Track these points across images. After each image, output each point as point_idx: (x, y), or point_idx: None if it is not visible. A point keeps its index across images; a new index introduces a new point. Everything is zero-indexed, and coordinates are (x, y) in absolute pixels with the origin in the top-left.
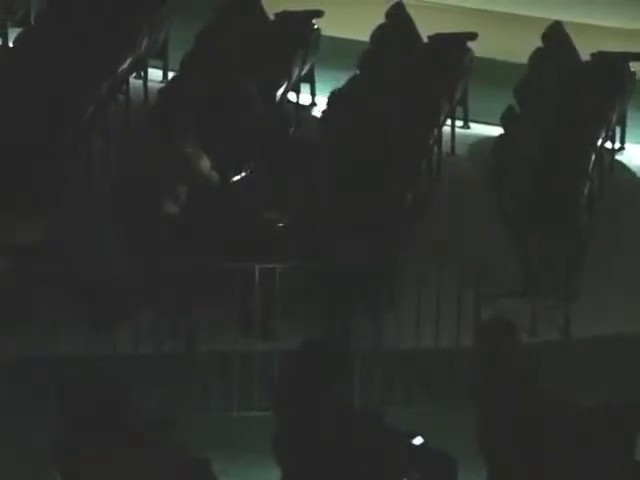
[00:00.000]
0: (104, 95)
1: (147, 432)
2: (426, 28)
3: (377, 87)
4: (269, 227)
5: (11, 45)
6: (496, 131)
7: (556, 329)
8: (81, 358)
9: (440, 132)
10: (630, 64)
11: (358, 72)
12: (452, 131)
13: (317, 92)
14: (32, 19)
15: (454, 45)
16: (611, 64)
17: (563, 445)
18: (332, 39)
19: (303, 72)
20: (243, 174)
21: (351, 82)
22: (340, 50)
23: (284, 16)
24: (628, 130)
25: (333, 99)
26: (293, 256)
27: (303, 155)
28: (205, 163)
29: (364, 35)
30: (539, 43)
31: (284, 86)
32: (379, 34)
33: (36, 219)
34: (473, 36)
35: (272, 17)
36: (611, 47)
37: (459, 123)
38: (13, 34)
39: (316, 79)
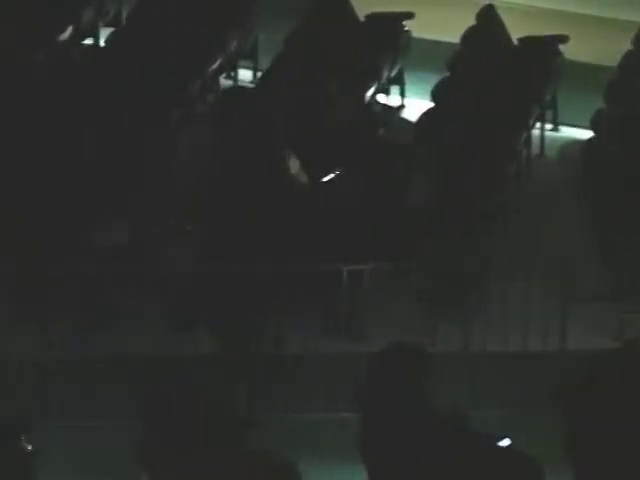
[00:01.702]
0: (194, 95)
1: (233, 433)
2: (516, 30)
3: (467, 89)
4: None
5: (102, 45)
6: (586, 134)
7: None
8: (163, 358)
9: (530, 134)
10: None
11: (448, 74)
12: (541, 134)
13: (406, 94)
14: (123, 19)
15: (544, 48)
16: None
17: None
18: (422, 41)
19: (393, 74)
20: (332, 175)
21: (441, 84)
22: (430, 52)
23: (374, 17)
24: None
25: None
26: (380, 257)
27: (392, 156)
28: (294, 164)
29: (454, 37)
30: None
31: (373, 87)
32: (469, 36)
33: (119, 221)
34: (564, 39)
35: (362, 18)
36: None
37: (549, 126)
38: (104, 34)
39: (406, 81)
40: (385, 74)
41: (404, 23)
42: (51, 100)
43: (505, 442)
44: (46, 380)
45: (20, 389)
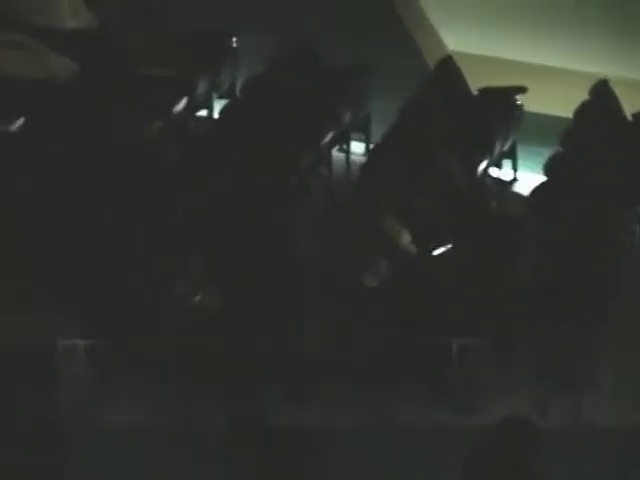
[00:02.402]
0: (307, 168)
1: None
2: (632, 106)
3: (582, 163)
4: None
5: (216, 117)
6: None
7: None
8: None
9: None
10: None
11: (561, 148)
12: None
13: (519, 168)
14: (237, 91)
15: None
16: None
17: None
18: (535, 115)
19: (505, 147)
20: (443, 248)
21: (554, 158)
22: (542, 126)
23: (487, 91)
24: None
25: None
26: (489, 331)
27: (504, 230)
28: (404, 237)
29: (567, 111)
30: None
31: (486, 161)
32: (582, 110)
33: None
34: None
35: (475, 91)
36: None
37: None
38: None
39: (518, 155)
40: (498, 148)
41: (517, 97)
42: (167, 170)
43: None
44: None
45: None
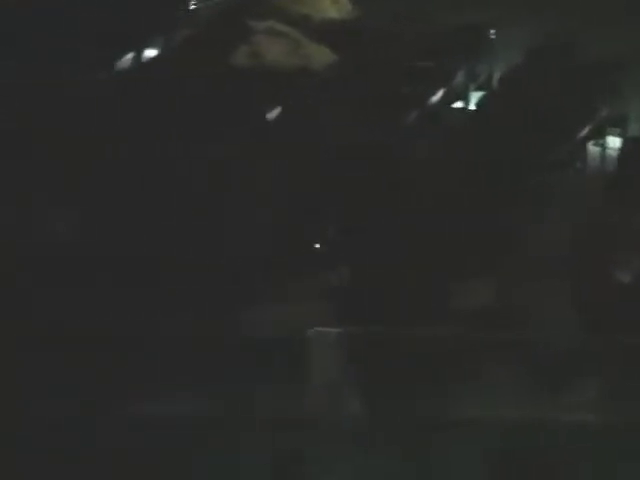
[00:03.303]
0: (562, 160)
1: None
2: None
3: None
4: None
5: (472, 108)
6: None
7: None
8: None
9: None
10: None
11: None
12: None
13: None
14: (494, 83)
15: None
16: None
17: None
18: None
19: None
20: None
21: None
22: None
23: None
24: None
25: None
26: None
27: None
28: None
29: None
30: None
31: None
32: None
33: (483, 283)
34: None
35: None
36: None
37: None
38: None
39: None
40: None
41: None
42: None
43: None
44: None
45: None
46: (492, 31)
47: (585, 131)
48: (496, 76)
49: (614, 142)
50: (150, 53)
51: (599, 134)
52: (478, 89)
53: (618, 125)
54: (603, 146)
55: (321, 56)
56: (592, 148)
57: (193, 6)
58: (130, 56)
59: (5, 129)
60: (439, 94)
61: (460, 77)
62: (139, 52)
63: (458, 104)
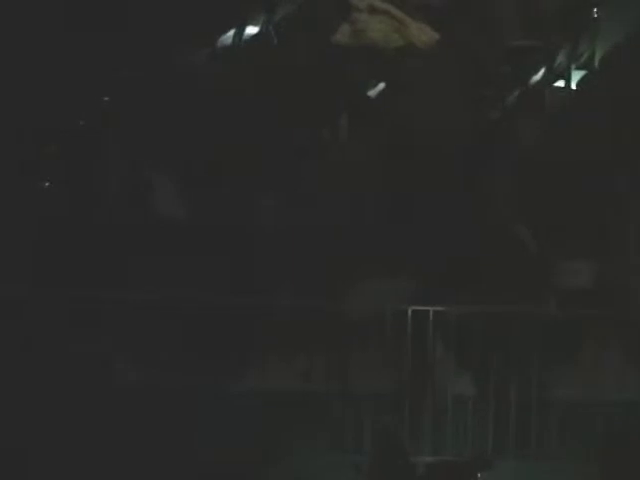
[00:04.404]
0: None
1: None
2: None
3: None
4: None
5: (573, 87)
6: None
7: None
8: None
9: None
10: None
11: None
12: None
13: None
14: (595, 63)
15: None
16: None
17: None
18: None
19: None
20: None
21: None
22: None
23: None
24: None
25: None
26: None
27: None
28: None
29: None
30: None
31: None
32: None
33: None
34: None
35: None
36: None
37: None
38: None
39: None
40: None
41: None
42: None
43: None
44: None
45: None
46: (595, 9)
47: None
48: (598, 56)
49: None
50: (251, 31)
51: None
52: (579, 68)
53: None
54: None
55: (423, 36)
56: None
57: None
58: (230, 36)
59: None
60: (540, 74)
61: (562, 57)
62: (240, 33)
63: (559, 83)
